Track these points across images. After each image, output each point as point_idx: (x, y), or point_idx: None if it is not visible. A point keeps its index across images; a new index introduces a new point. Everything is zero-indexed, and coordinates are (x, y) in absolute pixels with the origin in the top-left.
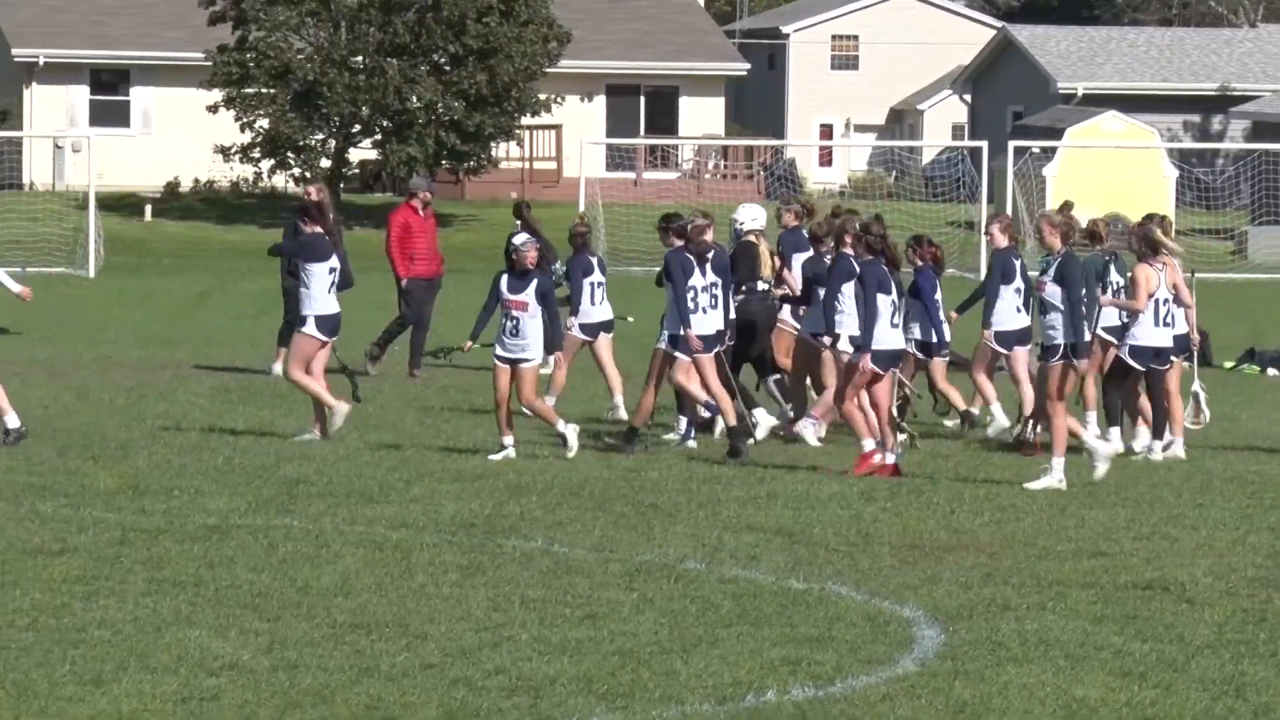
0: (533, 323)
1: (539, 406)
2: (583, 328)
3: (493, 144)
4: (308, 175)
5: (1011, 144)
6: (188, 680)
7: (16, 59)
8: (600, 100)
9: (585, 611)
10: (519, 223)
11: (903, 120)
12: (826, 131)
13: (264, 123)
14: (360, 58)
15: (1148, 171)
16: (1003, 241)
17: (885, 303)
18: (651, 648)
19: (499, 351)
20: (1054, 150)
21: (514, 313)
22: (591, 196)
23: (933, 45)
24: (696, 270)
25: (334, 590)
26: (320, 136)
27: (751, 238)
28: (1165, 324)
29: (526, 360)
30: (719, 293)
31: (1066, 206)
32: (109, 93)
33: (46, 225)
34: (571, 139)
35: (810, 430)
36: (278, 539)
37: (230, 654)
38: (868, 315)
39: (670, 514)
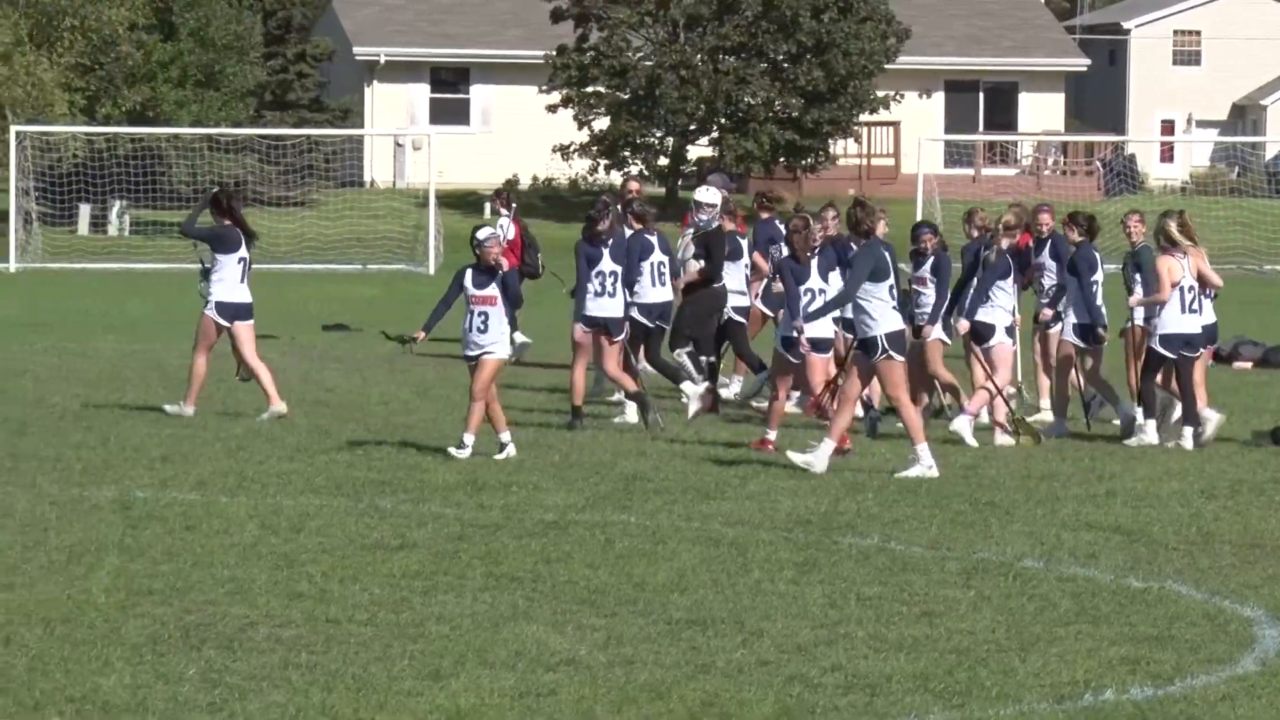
0: (500, 317)
1: (477, 408)
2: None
3: (831, 141)
4: (644, 173)
5: None
6: (525, 675)
7: (358, 58)
8: (939, 96)
9: (922, 609)
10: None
11: (1245, 116)
12: (1168, 127)
13: (601, 123)
14: (698, 56)
15: None
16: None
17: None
18: (988, 646)
19: (466, 351)
20: None
21: (480, 308)
22: (929, 193)
23: (1276, 40)
24: (607, 257)
25: (670, 586)
26: (659, 134)
27: (723, 223)
28: (1191, 311)
29: (490, 354)
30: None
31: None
32: (449, 91)
33: (387, 223)
34: (910, 136)
35: (966, 426)
36: (615, 535)
37: (567, 649)
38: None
39: (1008, 511)
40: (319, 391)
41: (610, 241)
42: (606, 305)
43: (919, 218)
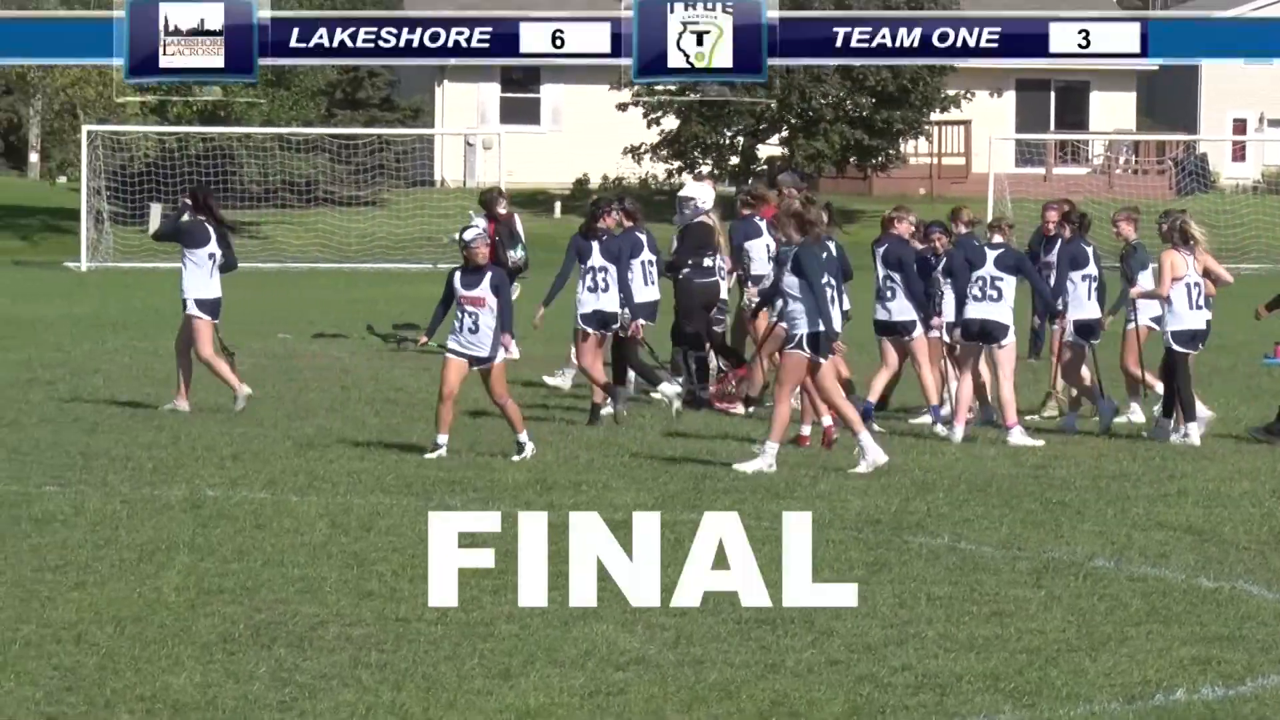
0: (491, 320)
1: (510, 406)
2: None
3: (901, 140)
4: (714, 172)
5: None
6: (595, 674)
7: None
8: (1010, 95)
9: (992, 609)
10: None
11: None
12: (1240, 126)
13: (670, 121)
14: None
15: None
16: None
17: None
18: (1059, 645)
19: (453, 345)
20: None
21: (470, 309)
22: (1000, 192)
23: None
24: (596, 252)
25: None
26: (729, 133)
27: (706, 218)
28: (1197, 307)
29: (487, 360)
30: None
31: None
32: (519, 90)
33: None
34: (980, 135)
35: (1021, 437)
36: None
37: (637, 648)
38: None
39: (1079, 511)
40: (389, 390)
41: (603, 238)
42: (601, 300)
43: (989, 218)
